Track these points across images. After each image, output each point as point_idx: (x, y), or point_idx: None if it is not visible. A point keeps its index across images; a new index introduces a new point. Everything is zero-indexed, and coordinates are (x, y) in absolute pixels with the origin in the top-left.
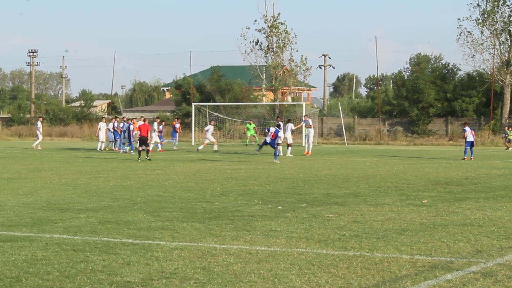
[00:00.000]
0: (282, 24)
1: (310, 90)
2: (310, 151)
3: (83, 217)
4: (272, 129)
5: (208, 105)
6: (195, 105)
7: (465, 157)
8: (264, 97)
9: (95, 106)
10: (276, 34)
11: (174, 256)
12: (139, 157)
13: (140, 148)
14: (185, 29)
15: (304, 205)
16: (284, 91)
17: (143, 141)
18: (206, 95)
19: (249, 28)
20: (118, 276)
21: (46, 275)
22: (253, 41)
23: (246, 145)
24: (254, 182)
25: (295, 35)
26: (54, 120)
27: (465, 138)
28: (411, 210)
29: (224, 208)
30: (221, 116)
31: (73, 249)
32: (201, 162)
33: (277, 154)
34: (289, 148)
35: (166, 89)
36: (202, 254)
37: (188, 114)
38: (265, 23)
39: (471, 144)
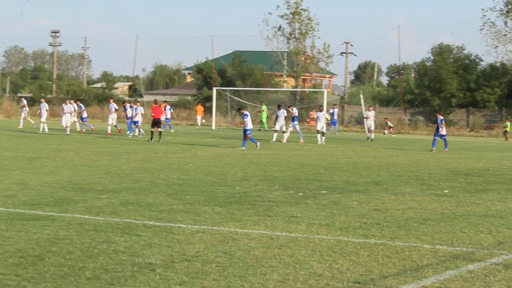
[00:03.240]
0: (304, 10)
1: (331, 77)
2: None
3: (105, 198)
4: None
5: (229, 89)
6: (216, 89)
7: (433, 149)
8: (285, 83)
9: (117, 88)
10: (299, 21)
11: (195, 239)
12: (152, 137)
13: (152, 129)
14: (208, 13)
15: (325, 192)
16: (306, 77)
17: (156, 122)
18: (227, 79)
19: (271, 13)
20: (140, 258)
21: (69, 255)
22: (275, 26)
23: (261, 129)
24: (275, 168)
25: (318, 22)
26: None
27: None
28: (432, 199)
29: (245, 192)
30: (242, 101)
31: (95, 229)
32: (221, 147)
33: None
34: (323, 137)
35: (187, 73)
36: (224, 238)
37: (209, 98)
38: (287, 9)
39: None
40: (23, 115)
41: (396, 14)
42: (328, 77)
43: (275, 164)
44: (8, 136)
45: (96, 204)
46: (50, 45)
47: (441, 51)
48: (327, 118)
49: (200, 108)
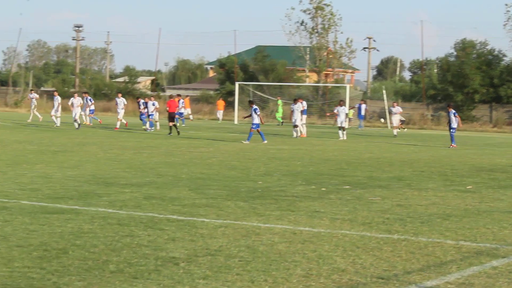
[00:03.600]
0: (327, 5)
1: (354, 73)
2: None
3: (128, 192)
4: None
5: (252, 84)
6: (238, 84)
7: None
8: (307, 78)
9: (139, 82)
10: (321, 15)
11: (218, 233)
12: (170, 132)
13: (171, 124)
14: (231, 8)
15: (347, 187)
16: (328, 72)
17: (172, 117)
18: (249, 74)
19: (294, 8)
20: (164, 252)
21: (93, 248)
22: (298, 21)
23: (280, 124)
24: (298, 163)
25: (340, 17)
26: (98, 95)
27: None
28: (455, 195)
29: (268, 187)
30: (264, 96)
31: (118, 223)
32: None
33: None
34: (344, 131)
35: (210, 67)
36: (247, 232)
37: (231, 93)
38: (310, 4)
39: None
40: (32, 107)
41: (419, 9)
42: (351, 72)
43: (298, 159)
44: (32, 130)
45: (120, 198)
46: (73, 40)
47: (464, 47)
48: (346, 114)
49: (221, 102)
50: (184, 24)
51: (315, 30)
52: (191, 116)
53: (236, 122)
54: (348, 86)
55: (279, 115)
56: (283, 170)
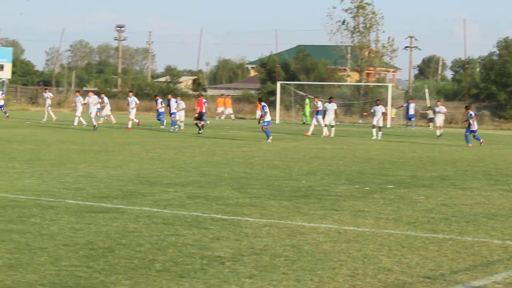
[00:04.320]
0: (369, 4)
1: (395, 72)
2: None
3: (172, 191)
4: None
5: (293, 84)
6: (280, 84)
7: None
8: (348, 78)
9: (181, 82)
10: (363, 15)
11: (263, 232)
12: (200, 130)
13: (202, 123)
14: (272, 7)
15: (391, 186)
16: (369, 72)
17: (200, 116)
18: (291, 73)
19: (335, 7)
20: (209, 251)
21: (138, 247)
22: (339, 21)
23: (305, 123)
24: (340, 162)
25: (382, 16)
26: (140, 95)
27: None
28: (500, 195)
29: (311, 187)
30: (305, 95)
31: (163, 222)
32: (286, 141)
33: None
34: (380, 132)
35: (251, 67)
36: (291, 232)
37: (273, 93)
38: (351, 3)
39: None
40: (46, 106)
41: (461, 8)
42: (392, 71)
43: (340, 158)
44: (75, 130)
45: (164, 197)
46: (115, 40)
47: (507, 45)
48: (383, 113)
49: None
50: (226, 23)
51: (357, 29)
52: (232, 116)
53: (278, 121)
54: (390, 85)
55: (306, 113)
56: (325, 170)
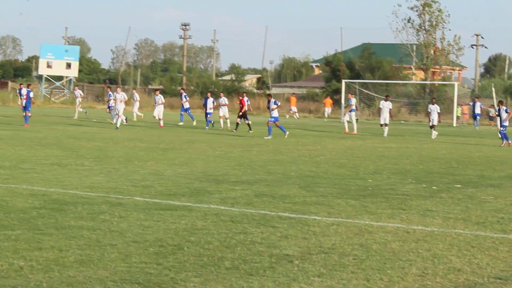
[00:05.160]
0: (435, 2)
1: (461, 70)
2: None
3: (239, 189)
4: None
5: (358, 82)
6: (345, 82)
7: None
8: (413, 76)
9: (245, 80)
10: (429, 12)
11: (331, 231)
12: (250, 129)
13: (247, 122)
14: (337, 5)
15: (459, 186)
16: (435, 70)
17: (243, 114)
18: (355, 72)
19: (401, 5)
20: (277, 249)
21: (207, 245)
22: (405, 19)
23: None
24: (407, 161)
25: (448, 14)
26: (204, 93)
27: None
28: None
29: (378, 186)
30: (371, 93)
31: (231, 220)
32: (351, 139)
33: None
34: (435, 131)
35: (315, 65)
36: (359, 230)
37: (337, 91)
38: (417, 0)
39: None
40: (77, 104)
41: None
42: (458, 70)
43: (407, 157)
44: (142, 128)
45: (231, 195)
46: (180, 38)
47: None
48: (439, 112)
49: (328, 100)
50: (290, 21)
51: (422, 27)
52: (296, 114)
53: (342, 120)
54: (456, 84)
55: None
56: (392, 169)
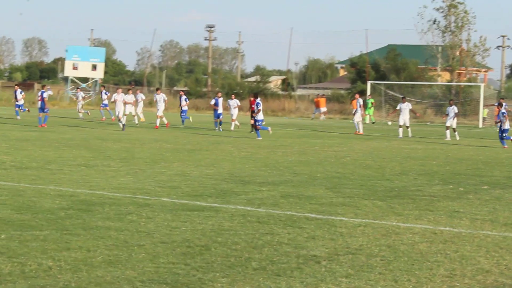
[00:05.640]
0: (461, 3)
1: (487, 72)
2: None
3: (265, 190)
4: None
5: (383, 83)
6: (370, 83)
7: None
8: (439, 78)
9: (270, 82)
10: (455, 14)
11: (358, 232)
12: (252, 130)
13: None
14: (362, 6)
15: (486, 187)
16: (461, 71)
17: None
18: (381, 73)
19: (426, 6)
20: (304, 250)
21: (234, 245)
22: (430, 20)
23: (373, 122)
24: (433, 162)
25: (474, 15)
26: (230, 95)
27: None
28: None
29: (404, 187)
30: (396, 95)
31: (258, 221)
32: (377, 140)
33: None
34: (454, 132)
35: (340, 67)
36: (386, 232)
37: (363, 92)
38: (443, 2)
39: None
40: (79, 106)
41: None
42: (484, 71)
43: (433, 159)
44: (168, 129)
45: (257, 196)
46: (205, 40)
47: None
48: (456, 113)
49: (355, 102)
50: (315, 23)
51: (448, 29)
52: (322, 116)
53: (368, 121)
54: (482, 85)
55: (370, 113)
56: (418, 170)
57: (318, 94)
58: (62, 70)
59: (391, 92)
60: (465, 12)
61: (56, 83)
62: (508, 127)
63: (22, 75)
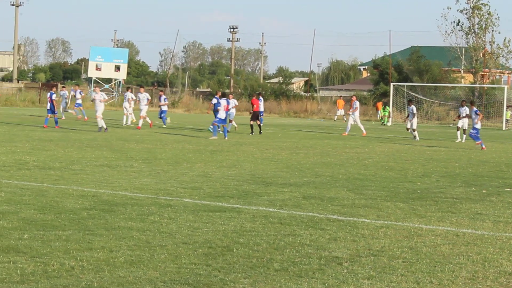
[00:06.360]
0: (485, 5)
1: (511, 73)
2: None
3: (287, 191)
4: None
5: (406, 85)
6: (393, 85)
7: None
8: (462, 79)
9: (293, 83)
10: (478, 15)
11: (380, 234)
12: (252, 131)
13: (252, 122)
14: (385, 8)
15: (509, 189)
16: (484, 73)
17: (255, 115)
18: (404, 75)
19: (450, 8)
20: (326, 251)
21: (256, 246)
22: (454, 21)
23: (385, 124)
24: (456, 164)
25: (498, 17)
26: (252, 96)
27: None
28: None
29: (427, 189)
30: (419, 97)
31: (280, 222)
32: (399, 142)
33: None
34: (458, 131)
35: (363, 68)
36: (408, 233)
37: (386, 94)
38: (467, 3)
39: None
40: (62, 106)
41: None
42: (507, 73)
43: (456, 161)
44: (189, 130)
45: (279, 197)
46: (228, 41)
47: None
48: (467, 114)
49: (381, 104)
50: (338, 25)
51: (472, 30)
52: (344, 117)
53: (390, 123)
54: (506, 87)
55: (385, 114)
56: (441, 172)
57: (340, 96)
58: (86, 71)
59: (413, 94)
60: (489, 13)
61: (79, 83)
62: (480, 126)
63: (46, 75)
